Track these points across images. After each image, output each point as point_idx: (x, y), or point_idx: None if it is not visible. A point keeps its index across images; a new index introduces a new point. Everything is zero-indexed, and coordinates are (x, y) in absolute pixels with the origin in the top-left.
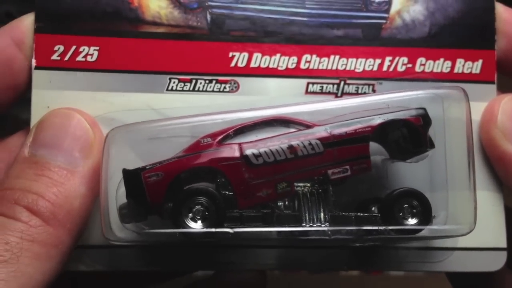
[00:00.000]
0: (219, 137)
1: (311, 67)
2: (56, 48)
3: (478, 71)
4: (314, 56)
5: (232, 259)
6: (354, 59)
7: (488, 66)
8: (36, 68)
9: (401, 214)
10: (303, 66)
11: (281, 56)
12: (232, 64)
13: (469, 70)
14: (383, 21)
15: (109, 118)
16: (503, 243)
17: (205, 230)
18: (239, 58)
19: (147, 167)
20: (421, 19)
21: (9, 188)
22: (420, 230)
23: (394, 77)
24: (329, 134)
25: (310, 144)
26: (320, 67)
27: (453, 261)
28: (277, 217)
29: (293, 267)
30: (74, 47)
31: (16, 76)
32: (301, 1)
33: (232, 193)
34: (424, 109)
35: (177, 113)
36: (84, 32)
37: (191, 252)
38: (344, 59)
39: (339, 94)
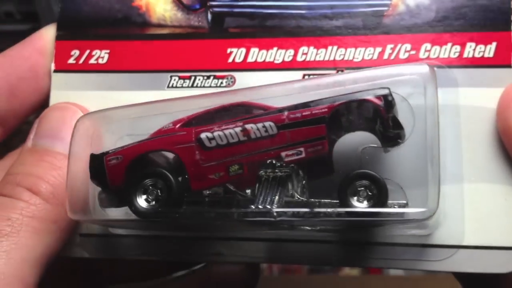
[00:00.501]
0: (181, 123)
1: (307, 59)
2: (72, 52)
3: (491, 55)
4: (311, 48)
5: (221, 251)
6: (353, 49)
7: (503, 49)
8: (55, 71)
9: (355, 197)
10: (299, 58)
11: (278, 49)
12: (230, 60)
13: (480, 54)
14: (385, 8)
15: None
16: None
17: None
18: (237, 54)
19: (110, 151)
20: (427, 3)
21: (13, 173)
22: (373, 214)
23: (395, 65)
24: (284, 116)
25: (263, 126)
26: (317, 59)
27: (457, 260)
28: (237, 202)
29: (283, 261)
30: (88, 51)
31: (41, 80)
32: None
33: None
34: (388, 88)
35: None
36: (97, 37)
37: (181, 242)
38: (342, 49)
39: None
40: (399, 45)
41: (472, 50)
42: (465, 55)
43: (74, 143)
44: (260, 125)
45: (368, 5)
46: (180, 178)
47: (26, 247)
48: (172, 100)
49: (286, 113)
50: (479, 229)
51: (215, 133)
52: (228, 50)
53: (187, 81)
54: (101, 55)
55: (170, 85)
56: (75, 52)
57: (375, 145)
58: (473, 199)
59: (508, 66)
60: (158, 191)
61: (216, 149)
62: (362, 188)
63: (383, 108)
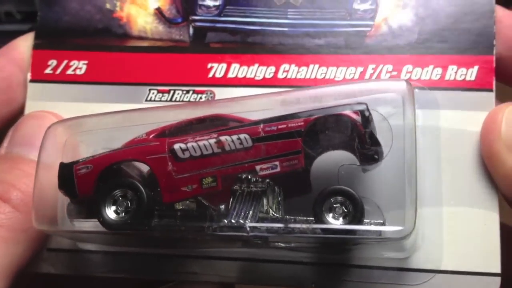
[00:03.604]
0: (155, 133)
1: (289, 76)
2: (49, 62)
3: (473, 78)
4: (292, 66)
5: (195, 269)
6: (335, 68)
7: (484, 72)
8: (31, 81)
9: (331, 214)
10: (280, 75)
11: (258, 66)
12: (210, 75)
13: (462, 77)
14: (368, 28)
15: None
16: (496, 268)
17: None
18: (217, 69)
19: (80, 160)
20: (410, 25)
21: None
22: (349, 231)
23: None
24: (259, 128)
25: (238, 138)
26: (299, 77)
27: (434, 285)
28: (210, 216)
29: (256, 281)
30: (65, 62)
31: (14, 91)
32: (283, 12)
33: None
34: (365, 104)
35: None
36: (76, 48)
37: (155, 260)
38: (324, 68)
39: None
40: (380, 66)
41: (453, 72)
42: (446, 78)
43: (43, 151)
44: (234, 137)
45: (350, 25)
46: (151, 190)
47: None
48: (149, 110)
49: (261, 125)
50: (457, 254)
51: (189, 144)
52: (209, 65)
53: (166, 95)
54: (79, 66)
55: (148, 98)
56: (53, 62)
57: (353, 164)
58: (451, 223)
59: (489, 90)
60: (128, 202)
61: (189, 161)
62: (338, 205)
63: (360, 124)
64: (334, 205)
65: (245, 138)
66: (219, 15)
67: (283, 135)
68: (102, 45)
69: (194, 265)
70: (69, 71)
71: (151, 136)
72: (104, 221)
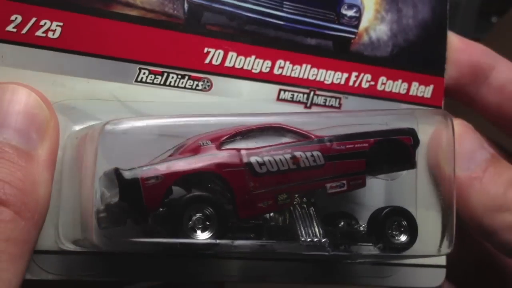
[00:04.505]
0: (219, 140)
1: (284, 73)
2: (12, 17)
3: (429, 96)
4: (287, 63)
5: (191, 270)
6: (324, 71)
7: (437, 92)
8: None
9: (390, 231)
10: (276, 71)
11: (256, 58)
12: (207, 61)
13: (422, 94)
14: (353, 36)
15: (70, 107)
16: (443, 262)
17: (208, 241)
18: (214, 55)
19: (144, 168)
20: (385, 39)
21: None
22: (408, 248)
23: (359, 93)
24: (329, 146)
25: (312, 155)
26: (293, 75)
27: (400, 277)
28: (268, 229)
29: (255, 279)
30: (34, 19)
31: None
32: (279, 4)
33: (231, 202)
34: (414, 129)
35: (145, 107)
36: (46, 3)
37: (149, 261)
38: (315, 69)
39: (308, 105)
40: (362, 74)
41: (416, 89)
42: (411, 93)
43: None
44: (308, 154)
45: (339, 29)
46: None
47: (4, 282)
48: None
49: (331, 143)
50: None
51: (265, 158)
52: (205, 50)
53: (159, 77)
54: (52, 28)
55: (139, 79)
56: (17, 18)
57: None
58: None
59: (439, 107)
60: (204, 219)
61: (267, 176)
62: (395, 224)
63: (412, 148)
64: (393, 224)
65: (318, 155)
66: None
67: (351, 154)
68: (80, 6)
69: (192, 264)
70: (39, 33)
71: (216, 144)
72: (186, 244)
